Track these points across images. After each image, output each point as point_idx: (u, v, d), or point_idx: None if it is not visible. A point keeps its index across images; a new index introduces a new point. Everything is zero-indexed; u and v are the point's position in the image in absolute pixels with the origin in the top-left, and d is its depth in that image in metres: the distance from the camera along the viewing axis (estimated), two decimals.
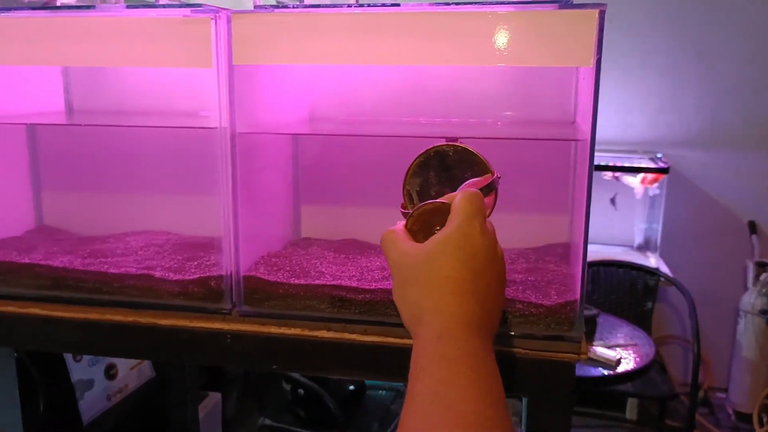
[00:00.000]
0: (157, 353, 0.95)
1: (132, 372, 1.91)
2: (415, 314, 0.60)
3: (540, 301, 0.78)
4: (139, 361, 1.86)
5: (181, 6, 0.84)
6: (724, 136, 3.14)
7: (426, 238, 0.64)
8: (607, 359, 2.18)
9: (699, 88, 3.13)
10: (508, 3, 0.73)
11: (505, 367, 0.77)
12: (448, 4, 0.75)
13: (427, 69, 1.01)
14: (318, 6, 0.82)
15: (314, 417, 2.28)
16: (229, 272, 0.85)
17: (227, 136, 0.82)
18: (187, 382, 1.65)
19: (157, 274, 0.88)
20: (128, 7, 0.87)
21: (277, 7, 0.80)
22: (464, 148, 0.76)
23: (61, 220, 1.10)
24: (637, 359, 2.24)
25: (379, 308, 0.81)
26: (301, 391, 2.27)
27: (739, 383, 3.11)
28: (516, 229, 1.00)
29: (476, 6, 0.73)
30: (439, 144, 0.76)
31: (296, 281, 0.84)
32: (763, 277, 3.02)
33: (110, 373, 1.82)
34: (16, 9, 0.87)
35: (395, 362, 0.79)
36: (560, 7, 0.71)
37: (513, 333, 0.78)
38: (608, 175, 3.05)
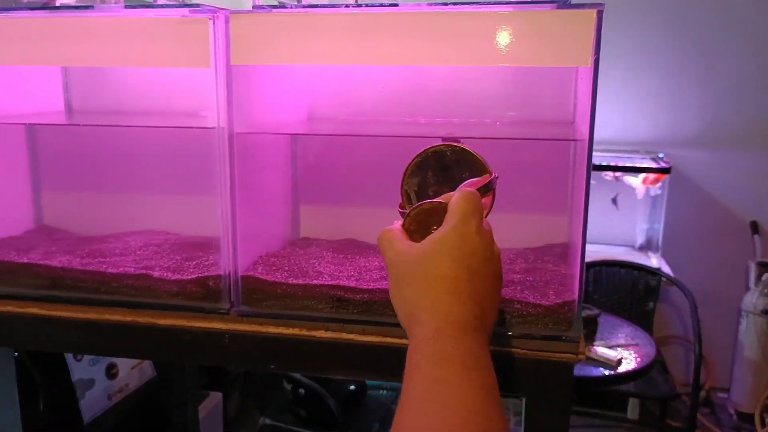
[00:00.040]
0: (156, 353, 0.95)
1: (133, 371, 1.91)
2: (411, 313, 0.60)
3: (538, 302, 0.78)
4: (139, 360, 1.86)
5: (179, 6, 0.84)
6: (726, 136, 3.14)
7: (423, 238, 0.64)
8: (608, 359, 2.18)
9: (701, 88, 3.12)
10: (506, 3, 0.73)
11: (504, 367, 0.77)
12: (446, 4, 0.74)
13: (426, 69, 1.01)
14: (316, 6, 0.82)
15: (315, 417, 2.28)
16: (227, 272, 0.85)
17: (225, 136, 0.82)
18: (187, 382, 1.65)
19: (156, 273, 0.88)
20: (127, 7, 0.87)
21: (275, 7, 0.80)
22: (462, 148, 0.76)
23: (61, 220, 1.11)
24: (638, 359, 2.24)
25: (377, 308, 0.81)
26: (302, 390, 2.27)
27: (741, 383, 3.10)
28: (515, 229, 1.00)
29: (474, 6, 0.73)
30: (436, 144, 0.76)
31: (294, 281, 0.84)
32: (765, 277, 3.01)
33: (111, 372, 1.82)
34: (15, 9, 0.88)
35: (393, 362, 0.79)
36: (558, 7, 0.71)
37: (511, 333, 0.78)
38: (609, 175, 3.05)
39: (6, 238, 1.02)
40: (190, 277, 0.86)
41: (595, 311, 2.37)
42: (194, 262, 0.90)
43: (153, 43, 0.82)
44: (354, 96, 1.06)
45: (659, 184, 3.03)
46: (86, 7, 0.85)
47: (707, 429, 3.09)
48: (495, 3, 0.73)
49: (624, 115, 3.20)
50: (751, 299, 3.02)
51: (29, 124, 1.09)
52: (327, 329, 0.82)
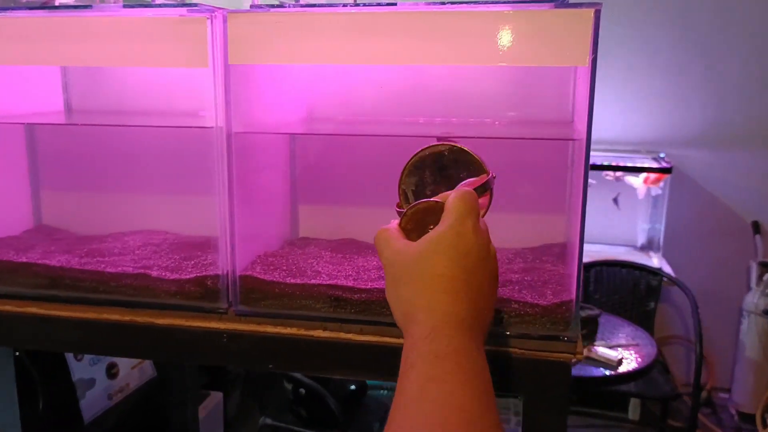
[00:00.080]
0: (154, 353, 0.95)
1: (133, 371, 1.91)
2: (407, 312, 0.60)
3: (536, 301, 0.78)
4: (140, 360, 1.86)
5: (177, 6, 0.84)
6: (728, 136, 3.13)
7: (420, 237, 0.64)
8: (609, 359, 2.18)
9: (702, 87, 3.12)
10: (504, 2, 0.73)
11: (502, 366, 0.77)
12: (443, 3, 0.74)
13: (426, 69, 1.01)
14: (314, 5, 0.82)
15: (315, 416, 2.28)
16: (225, 272, 0.85)
17: (223, 135, 0.82)
18: (187, 381, 1.65)
19: (154, 273, 0.88)
20: (125, 6, 0.87)
21: (273, 6, 0.80)
22: (459, 147, 0.76)
23: (60, 220, 1.11)
24: (639, 359, 2.24)
25: (375, 308, 0.81)
26: (302, 390, 2.28)
27: (742, 383, 3.10)
28: (514, 228, 1.00)
29: (472, 5, 0.73)
30: (434, 144, 0.76)
31: (292, 281, 0.84)
32: (766, 277, 3.01)
33: (111, 372, 1.83)
34: (14, 9, 0.88)
35: (391, 362, 0.78)
36: (556, 7, 0.71)
37: (509, 333, 0.78)
38: (610, 174, 3.05)
39: (5, 237, 1.02)
40: (188, 277, 0.86)
41: (596, 311, 2.37)
42: (193, 262, 0.90)
43: (151, 43, 0.82)
44: (353, 96, 1.06)
45: (661, 184, 3.03)
46: (85, 7, 0.85)
47: (708, 429, 3.09)
48: (492, 2, 0.73)
49: (625, 115, 3.20)
50: (753, 299, 3.02)
51: (28, 123, 1.09)
52: (325, 329, 0.82)
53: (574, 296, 0.77)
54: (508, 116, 1.02)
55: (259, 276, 0.85)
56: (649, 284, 2.95)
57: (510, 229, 1.01)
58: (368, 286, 0.82)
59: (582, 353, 0.77)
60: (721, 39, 3.06)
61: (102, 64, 0.89)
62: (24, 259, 0.92)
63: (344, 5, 0.78)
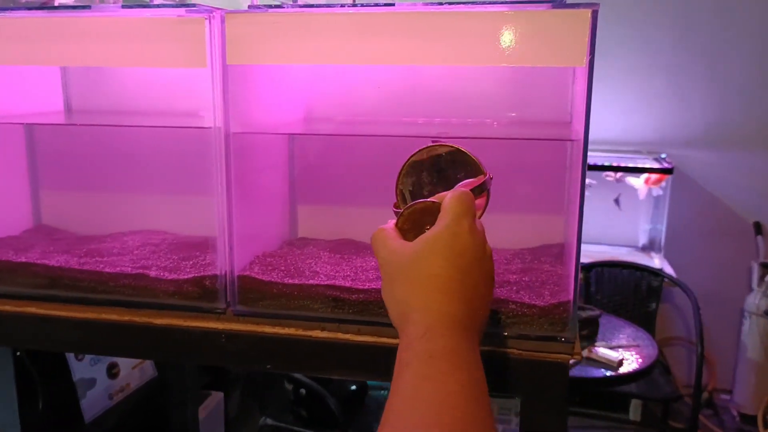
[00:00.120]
0: (153, 353, 0.95)
1: (134, 371, 1.91)
2: (403, 312, 0.60)
3: (533, 302, 0.78)
4: (140, 360, 1.86)
5: (175, 6, 0.84)
6: (729, 137, 3.13)
7: (416, 237, 0.64)
8: (609, 360, 2.18)
9: (704, 88, 3.11)
10: (501, 3, 0.73)
11: (499, 367, 0.77)
12: (441, 3, 0.74)
13: (425, 69, 1.01)
14: (311, 6, 0.82)
15: (316, 417, 2.28)
16: (223, 272, 0.85)
17: (221, 135, 0.82)
18: (187, 382, 1.65)
19: (153, 273, 0.88)
20: (124, 7, 0.87)
21: (270, 6, 0.80)
22: (457, 148, 0.76)
23: (60, 220, 1.11)
24: (640, 360, 2.24)
25: (372, 308, 0.81)
26: (303, 391, 2.27)
27: (744, 385, 3.09)
28: (513, 229, 1.00)
29: (469, 6, 0.73)
30: (431, 144, 0.76)
31: (290, 281, 0.84)
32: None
33: (112, 372, 1.83)
34: (13, 9, 0.88)
35: (389, 362, 0.78)
36: (553, 7, 0.71)
37: (507, 333, 0.78)
38: (611, 175, 3.04)
39: (5, 237, 1.03)
40: (186, 277, 0.87)
41: (596, 312, 2.37)
42: (191, 262, 0.90)
43: (149, 43, 0.82)
44: (352, 96, 1.06)
45: (662, 185, 3.03)
46: (83, 7, 0.85)
47: (709, 431, 3.08)
48: (490, 3, 0.73)
49: (627, 116, 3.19)
50: (754, 300, 3.01)
51: (27, 123, 1.09)
52: (323, 329, 0.82)
53: (571, 297, 0.77)
54: (508, 117, 1.02)
55: (257, 276, 0.85)
56: (650, 285, 2.95)
57: (509, 230, 1.01)
58: (366, 287, 0.82)
59: (580, 354, 0.77)
60: (722, 39, 3.06)
61: (101, 64, 0.89)
62: (23, 259, 0.92)
63: (341, 6, 0.78)
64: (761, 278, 3.04)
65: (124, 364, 1.85)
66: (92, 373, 1.75)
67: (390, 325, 0.65)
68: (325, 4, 0.83)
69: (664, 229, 3.13)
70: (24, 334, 0.90)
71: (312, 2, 0.89)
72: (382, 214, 0.76)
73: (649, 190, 3.03)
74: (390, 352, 0.78)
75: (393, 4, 0.76)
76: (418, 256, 0.61)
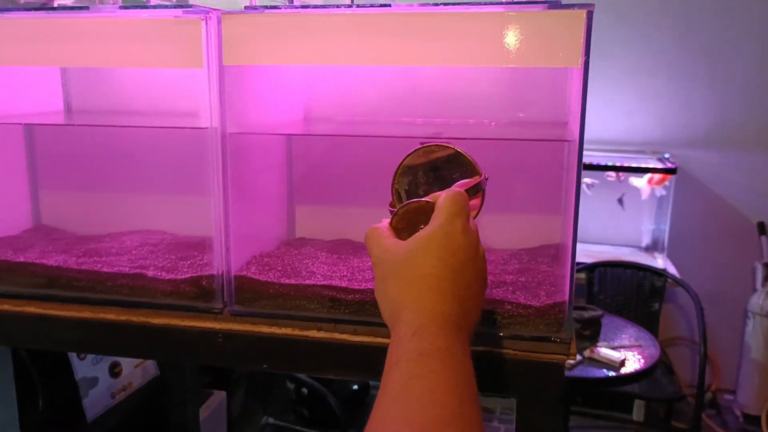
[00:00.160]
0: (150, 352, 0.96)
1: (136, 370, 1.92)
2: (395, 310, 0.60)
3: (529, 302, 0.78)
4: (142, 359, 1.87)
5: (172, 7, 0.85)
6: (733, 137, 3.12)
7: (411, 236, 0.64)
8: (611, 360, 2.17)
9: (707, 88, 3.11)
10: (497, 3, 0.73)
11: (495, 367, 0.77)
12: (436, 4, 0.75)
13: (425, 70, 1.02)
14: (307, 7, 0.82)
15: (317, 416, 2.29)
16: (220, 272, 0.85)
17: (218, 136, 0.82)
18: (187, 382, 1.65)
19: (150, 273, 0.88)
20: (122, 8, 0.88)
21: (266, 7, 0.80)
22: (453, 149, 0.76)
23: (59, 220, 1.11)
24: (642, 360, 2.24)
25: (369, 308, 0.81)
26: (304, 390, 2.28)
27: (747, 385, 3.08)
28: (511, 229, 1.00)
29: (465, 6, 0.73)
30: (426, 144, 0.76)
31: (287, 281, 0.84)
32: None
33: (114, 371, 1.83)
34: (12, 10, 0.88)
35: (384, 362, 0.79)
36: (548, 8, 0.71)
37: (502, 334, 0.78)
38: (612, 175, 3.04)
39: (4, 237, 1.03)
40: (183, 277, 0.87)
41: (599, 312, 2.36)
42: (188, 262, 0.90)
43: (147, 44, 0.82)
44: (351, 96, 1.06)
45: (665, 185, 3.02)
46: (81, 8, 0.86)
47: (713, 431, 3.07)
48: (485, 3, 0.73)
49: (630, 116, 3.19)
50: (758, 300, 3.00)
51: (26, 124, 1.09)
52: (319, 329, 0.82)
53: (567, 297, 0.77)
54: (507, 117, 1.02)
55: (253, 276, 0.85)
56: (653, 285, 2.94)
57: (507, 230, 1.01)
58: (362, 287, 0.82)
59: (575, 354, 0.77)
60: (725, 39, 3.05)
61: (99, 64, 0.89)
62: (22, 259, 0.93)
63: (337, 6, 0.78)
64: (765, 278, 3.03)
65: (127, 363, 1.86)
66: (94, 372, 1.76)
67: (386, 325, 0.65)
68: (320, 5, 0.83)
69: (667, 229, 3.11)
70: (22, 334, 0.90)
71: (309, 3, 0.90)
72: (380, 214, 0.76)
73: (652, 191, 3.02)
74: (386, 352, 0.78)
75: (389, 5, 0.76)
76: (411, 255, 0.61)
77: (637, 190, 3.05)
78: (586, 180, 3.02)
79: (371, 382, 2.39)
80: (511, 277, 0.85)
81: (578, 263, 2.93)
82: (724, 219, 3.17)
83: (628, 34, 3.09)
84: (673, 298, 3.22)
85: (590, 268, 2.96)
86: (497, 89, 1.02)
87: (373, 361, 0.80)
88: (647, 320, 2.89)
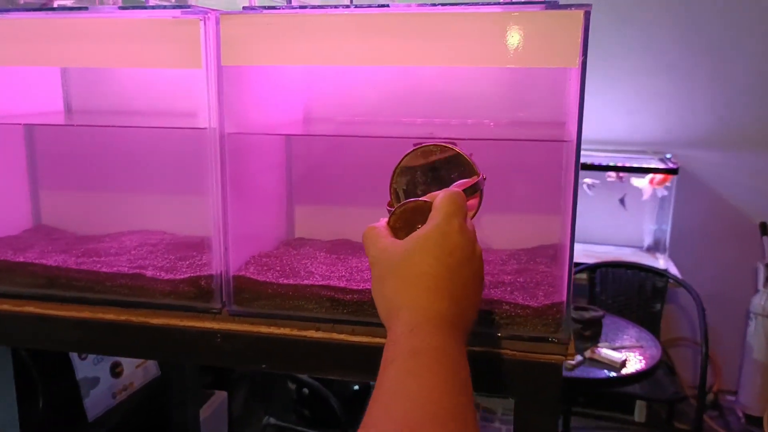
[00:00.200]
0: (149, 352, 0.96)
1: (137, 370, 1.92)
2: (391, 309, 0.61)
3: (527, 303, 0.78)
4: (143, 359, 1.87)
5: (171, 7, 0.85)
6: (735, 137, 3.12)
7: (408, 236, 0.64)
8: (612, 361, 2.17)
9: (709, 88, 3.10)
10: (494, 3, 0.73)
11: (493, 368, 0.77)
12: (434, 5, 0.75)
13: (425, 70, 1.02)
14: (305, 7, 0.82)
15: (318, 416, 2.29)
16: (219, 272, 0.86)
17: (216, 136, 0.82)
18: (187, 382, 1.65)
19: (149, 273, 0.88)
20: (121, 8, 0.88)
21: (265, 8, 0.80)
22: (451, 149, 0.76)
23: (59, 220, 1.12)
24: (643, 361, 2.24)
25: (367, 308, 0.81)
26: (305, 390, 2.29)
27: (749, 386, 3.08)
28: (510, 230, 1.00)
29: (462, 7, 0.73)
30: (426, 144, 0.76)
31: (285, 281, 0.84)
32: None
33: (115, 371, 1.84)
34: (11, 10, 0.88)
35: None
36: (546, 8, 0.71)
37: (500, 334, 0.78)
38: (612, 175, 3.04)
39: (4, 237, 1.03)
40: (182, 277, 0.87)
41: (600, 312, 2.36)
42: (187, 262, 0.90)
43: (146, 44, 0.82)
44: (351, 97, 1.06)
45: (667, 185, 3.02)
46: (80, 9, 0.86)
47: None
48: (483, 3, 0.73)
49: (632, 116, 3.19)
50: (760, 301, 3.00)
51: (26, 124, 1.10)
52: (318, 329, 0.82)
53: (565, 298, 0.77)
54: (506, 117, 1.02)
55: (252, 276, 0.85)
56: (655, 286, 2.94)
57: (506, 230, 1.01)
58: (361, 287, 0.82)
59: (573, 355, 0.77)
60: (727, 39, 3.05)
61: (98, 65, 0.90)
62: (21, 259, 0.93)
63: (335, 7, 0.78)
64: (767, 279, 3.03)
65: (128, 363, 1.86)
66: (95, 372, 1.76)
67: (383, 324, 0.65)
68: (319, 6, 0.84)
69: (669, 229, 3.11)
70: (22, 334, 0.90)
71: (308, 3, 0.90)
72: (379, 214, 0.76)
73: (654, 191, 3.02)
74: None
75: (387, 5, 0.76)
76: (408, 254, 0.61)
77: (638, 190, 3.05)
78: (586, 180, 3.02)
79: (371, 383, 2.40)
80: (509, 277, 0.85)
81: (580, 264, 2.93)
82: (726, 219, 3.17)
83: (630, 34, 3.09)
84: (674, 299, 3.21)
85: (592, 268, 2.96)
86: (497, 89, 1.02)
87: (371, 361, 0.80)
88: (649, 321, 2.89)
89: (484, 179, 0.73)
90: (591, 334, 2.31)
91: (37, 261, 0.92)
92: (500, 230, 1.00)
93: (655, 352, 2.30)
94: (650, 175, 2.97)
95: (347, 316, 0.82)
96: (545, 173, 0.97)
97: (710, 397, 3.21)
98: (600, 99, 3.16)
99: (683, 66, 3.11)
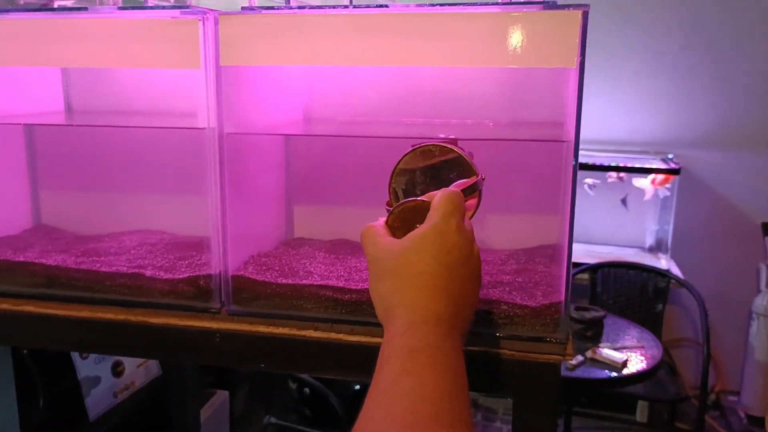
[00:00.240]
0: (148, 351, 0.96)
1: (139, 369, 1.93)
2: (388, 308, 0.61)
3: (525, 303, 0.78)
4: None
5: (170, 7, 0.85)
6: (737, 137, 3.11)
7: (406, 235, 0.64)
8: (613, 361, 2.17)
9: (711, 88, 3.10)
10: (492, 4, 0.73)
11: (491, 368, 0.77)
12: (433, 5, 0.75)
13: (425, 70, 1.02)
14: (304, 7, 0.82)
15: (319, 416, 2.29)
16: (217, 272, 0.86)
17: (215, 136, 0.82)
18: (188, 382, 1.66)
19: (148, 272, 0.88)
20: (120, 8, 0.88)
21: (263, 8, 0.80)
22: (450, 149, 0.76)
23: (59, 219, 1.12)
24: (644, 361, 2.23)
25: (365, 308, 0.81)
26: (306, 390, 2.29)
27: (751, 386, 3.08)
28: (511, 229, 1.01)
29: (461, 7, 0.74)
30: (425, 144, 0.77)
31: (284, 281, 0.85)
32: None
33: (117, 370, 1.84)
34: (11, 11, 0.89)
35: None
36: (544, 8, 0.71)
37: (498, 334, 0.78)
38: (612, 176, 3.03)
39: (5, 236, 1.04)
40: (181, 277, 0.87)
41: (601, 313, 2.36)
42: (186, 262, 0.91)
43: (145, 44, 0.83)
44: (351, 97, 1.07)
45: (669, 185, 3.02)
46: (80, 9, 0.86)
47: None
48: (481, 4, 0.73)
49: (633, 116, 3.18)
50: (762, 301, 2.99)
51: (25, 124, 1.10)
52: (316, 329, 0.82)
53: (563, 298, 0.77)
54: (506, 118, 1.02)
55: (251, 276, 0.85)
56: (657, 286, 2.93)
57: (506, 230, 1.01)
58: (359, 287, 0.82)
59: (572, 355, 0.77)
60: (729, 39, 3.04)
61: (97, 65, 0.90)
62: (21, 258, 0.93)
63: (333, 7, 0.78)
64: None
65: (129, 362, 1.87)
66: (97, 371, 1.76)
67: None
68: (317, 6, 0.84)
69: (671, 229, 3.11)
70: (21, 333, 0.91)
71: (307, 4, 0.90)
72: (378, 214, 0.76)
73: (656, 191, 3.02)
74: None
75: (386, 6, 0.76)
76: (406, 253, 0.62)
77: (640, 190, 3.05)
78: (587, 180, 3.01)
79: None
80: (508, 277, 0.85)
81: (581, 264, 2.92)
82: (728, 219, 3.16)
83: (632, 34, 3.09)
84: (676, 299, 3.21)
85: (593, 268, 2.96)
86: (497, 90, 1.02)
87: (370, 360, 0.79)
88: (651, 321, 2.88)
89: (483, 179, 0.74)
90: (592, 334, 2.31)
91: (36, 260, 0.92)
92: (499, 230, 1.00)
93: (657, 352, 2.30)
94: (652, 176, 2.97)
95: (346, 316, 0.82)
96: (544, 173, 0.97)
97: (712, 397, 3.21)
98: (601, 99, 3.16)
99: (684, 66, 3.10)
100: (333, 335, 0.82)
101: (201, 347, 0.85)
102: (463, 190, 0.69)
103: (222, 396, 2.27)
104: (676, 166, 2.94)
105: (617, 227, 3.23)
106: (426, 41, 0.75)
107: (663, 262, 3.05)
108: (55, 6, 0.95)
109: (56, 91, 1.13)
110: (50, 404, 1.61)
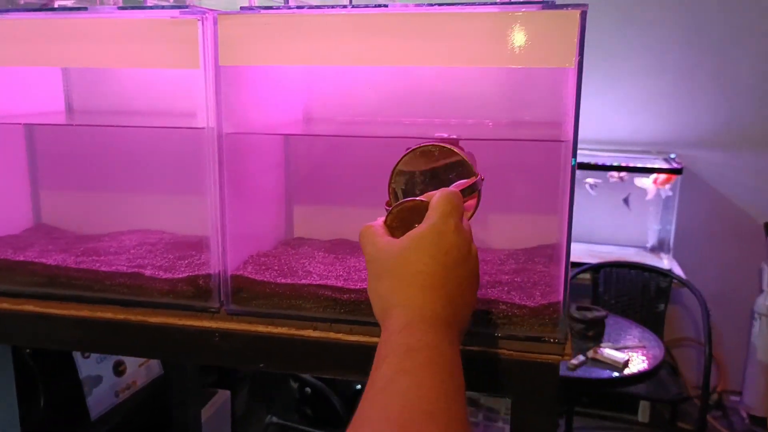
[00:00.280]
0: (148, 351, 0.96)
1: (140, 369, 1.93)
2: (386, 307, 0.61)
3: (524, 302, 0.78)
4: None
5: (169, 7, 0.85)
6: (739, 137, 3.11)
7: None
8: (615, 361, 2.17)
9: (713, 88, 3.09)
10: (491, 4, 0.73)
11: (490, 368, 0.77)
12: (432, 5, 0.75)
13: (425, 70, 1.02)
14: (303, 7, 0.82)
15: (321, 415, 2.29)
16: (217, 271, 0.86)
17: (214, 136, 0.82)
18: (189, 381, 1.66)
19: (148, 272, 0.89)
20: (120, 8, 0.88)
21: (262, 8, 0.80)
22: (450, 149, 0.76)
23: (59, 219, 1.12)
24: (646, 361, 2.23)
25: (364, 308, 0.81)
26: (308, 389, 2.29)
27: (754, 386, 3.07)
28: (509, 229, 1.01)
29: (459, 7, 0.74)
30: (425, 144, 0.77)
31: (283, 281, 0.85)
32: None
33: (118, 369, 1.84)
34: (11, 11, 0.89)
35: None
36: (542, 8, 0.71)
37: (497, 334, 0.78)
38: (614, 176, 3.03)
39: (5, 236, 1.04)
40: (180, 276, 0.87)
41: (602, 313, 2.36)
42: (186, 261, 0.91)
43: (144, 44, 0.83)
44: (350, 97, 1.07)
45: (671, 185, 3.01)
46: (80, 9, 0.86)
47: None
48: (480, 4, 0.73)
49: (635, 116, 3.18)
50: (765, 301, 2.99)
51: (26, 124, 1.10)
52: (315, 329, 0.82)
53: (561, 298, 0.77)
54: (506, 118, 1.02)
55: (250, 276, 0.85)
56: (659, 286, 2.93)
57: (505, 230, 1.01)
58: (358, 287, 0.82)
59: (570, 354, 0.77)
60: (731, 39, 3.04)
61: (97, 65, 0.90)
62: (22, 258, 0.93)
63: (332, 7, 0.78)
64: None
65: (131, 361, 1.87)
66: (99, 370, 1.77)
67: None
68: (316, 6, 0.84)
69: (673, 229, 3.11)
70: (21, 332, 0.91)
71: (306, 4, 0.90)
72: (378, 214, 0.76)
73: (658, 191, 3.01)
74: None
75: (386, 6, 0.77)
76: (404, 252, 0.62)
77: (642, 190, 3.04)
78: (589, 180, 3.01)
79: None
80: (507, 277, 0.85)
81: (583, 263, 2.92)
82: (730, 219, 3.16)
83: (634, 34, 3.08)
84: (678, 299, 3.21)
85: (595, 268, 2.95)
86: (497, 90, 1.02)
87: (368, 360, 0.79)
88: (653, 321, 2.88)
89: (482, 180, 0.74)
90: (594, 334, 2.31)
91: (36, 260, 0.92)
92: (499, 230, 1.00)
93: (658, 352, 2.30)
94: (654, 175, 2.97)
95: (345, 316, 0.82)
96: (544, 173, 0.97)
97: (714, 397, 3.20)
98: (602, 99, 3.15)
99: (685, 66, 3.10)
100: (332, 335, 0.82)
101: (200, 347, 0.85)
102: (462, 191, 0.69)
103: (223, 395, 2.27)
104: (678, 166, 2.94)
105: (619, 227, 3.23)
106: (425, 41, 0.75)
107: (665, 262, 3.04)
108: (55, 6, 0.95)
109: (57, 91, 1.13)
110: (51, 403, 1.61)
